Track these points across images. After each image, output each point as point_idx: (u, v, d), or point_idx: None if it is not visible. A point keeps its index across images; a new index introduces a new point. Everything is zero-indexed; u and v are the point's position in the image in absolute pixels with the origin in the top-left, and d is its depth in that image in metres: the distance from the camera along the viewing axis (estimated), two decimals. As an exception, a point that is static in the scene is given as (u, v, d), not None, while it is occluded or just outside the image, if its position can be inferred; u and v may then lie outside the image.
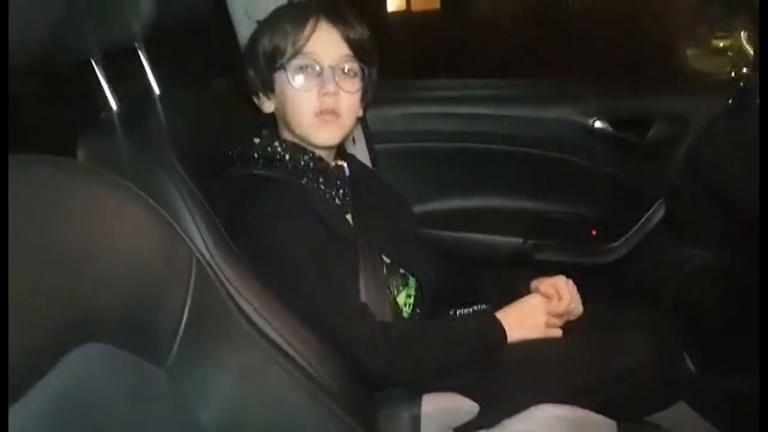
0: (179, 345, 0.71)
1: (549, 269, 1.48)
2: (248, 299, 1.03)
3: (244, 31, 1.67)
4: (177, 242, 0.75)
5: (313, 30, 1.30)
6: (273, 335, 0.99)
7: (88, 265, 0.63)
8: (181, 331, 0.71)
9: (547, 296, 1.40)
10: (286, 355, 0.92)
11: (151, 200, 0.74)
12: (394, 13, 6.15)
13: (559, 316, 1.39)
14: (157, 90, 1.38)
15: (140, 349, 0.67)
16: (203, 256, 1.02)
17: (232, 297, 0.84)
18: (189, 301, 0.72)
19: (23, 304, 0.56)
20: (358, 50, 1.33)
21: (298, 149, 1.33)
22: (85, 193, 0.67)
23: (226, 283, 1.02)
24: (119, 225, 0.69)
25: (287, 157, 1.31)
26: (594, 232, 1.94)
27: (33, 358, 0.57)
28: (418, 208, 1.83)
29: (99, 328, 0.63)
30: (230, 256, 1.10)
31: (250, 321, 0.84)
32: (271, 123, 1.39)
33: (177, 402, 0.72)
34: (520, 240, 1.91)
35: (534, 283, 1.45)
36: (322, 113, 1.31)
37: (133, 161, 1.12)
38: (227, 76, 1.57)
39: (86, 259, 0.63)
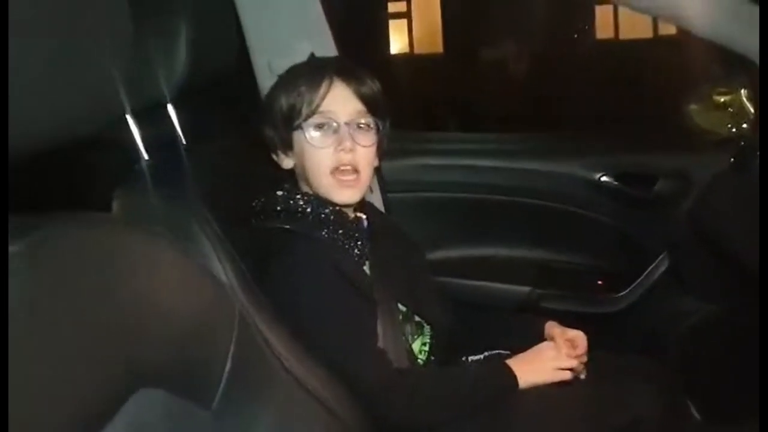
0: (223, 389, 0.76)
1: (556, 318, 1.51)
2: (278, 347, 1.08)
3: (267, 84, 1.73)
4: (223, 294, 0.81)
5: (328, 89, 1.35)
6: (303, 381, 1.04)
7: (145, 318, 0.69)
8: (225, 376, 0.77)
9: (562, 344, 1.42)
10: (317, 400, 0.97)
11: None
12: (396, 56, 6.24)
13: (570, 360, 1.40)
14: (184, 141, 1.44)
15: (189, 393, 0.72)
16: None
17: (269, 345, 0.89)
18: (233, 348, 0.78)
19: (85, 355, 0.61)
20: (371, 105, 1.38)
21: (320, 202, 1.37)
22: (141, 252, 0.73)
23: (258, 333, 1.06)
24: (173, 281, 0.75)
25: (308, 210, 1.35)
26: (601, 282, 1.99)
27: (97, 406, 0.62)
28: (429, 256, 1.86)
29: (153, 375, 0.68)
30: (260, 307, 1.14)
31: (284, 368, 0.89)
32: (293, 176, 1.44)
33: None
34: (528, 289, 1.95)
35: (549, 329, 1.47)
36: (340, 170, 1.35)
37: (167, 215, 1.17)
38: (251, 128, 1.62)
39: (143, 312, 0.69)
